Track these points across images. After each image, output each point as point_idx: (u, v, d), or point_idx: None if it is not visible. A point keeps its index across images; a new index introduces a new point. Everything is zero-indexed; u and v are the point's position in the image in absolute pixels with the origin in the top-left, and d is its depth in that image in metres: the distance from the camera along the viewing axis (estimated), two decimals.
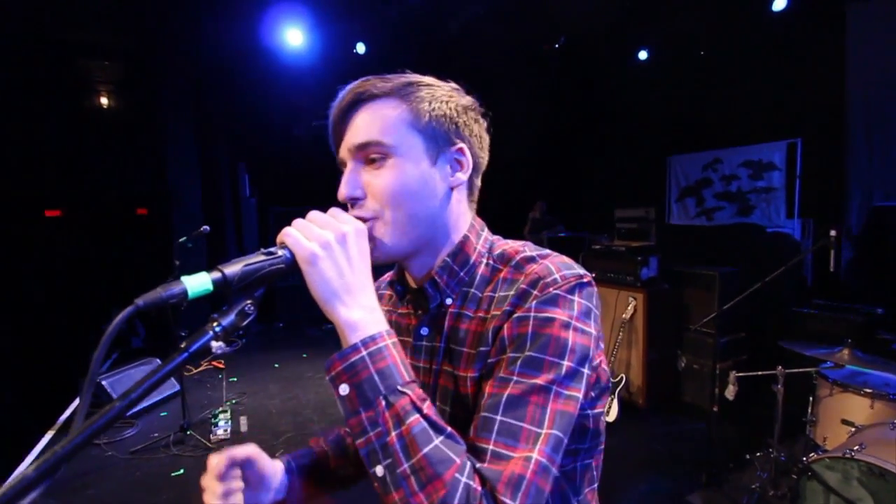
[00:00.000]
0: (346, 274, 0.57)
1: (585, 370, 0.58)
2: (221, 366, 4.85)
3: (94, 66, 5.69)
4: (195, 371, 4.72)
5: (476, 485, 0.50)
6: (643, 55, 5.61)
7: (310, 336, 6.11)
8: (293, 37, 5.06)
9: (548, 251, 0.67)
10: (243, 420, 3.68)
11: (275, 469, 0.77)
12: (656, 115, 5.69)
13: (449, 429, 0.53)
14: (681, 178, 5.45)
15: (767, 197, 4.60)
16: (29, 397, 3.96)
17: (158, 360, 4.21)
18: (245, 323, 0.54)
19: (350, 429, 0.53)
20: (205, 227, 3.37)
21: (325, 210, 0.61)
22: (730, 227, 4.93)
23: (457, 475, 0.49)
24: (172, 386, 4.05)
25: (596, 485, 0.72)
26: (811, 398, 2.53)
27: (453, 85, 0.72)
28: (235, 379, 4.56)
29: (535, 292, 0.60)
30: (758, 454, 2.69)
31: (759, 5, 4.32)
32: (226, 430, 3.41)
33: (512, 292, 0.62)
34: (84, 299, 4.90)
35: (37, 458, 0.39)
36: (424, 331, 0.71)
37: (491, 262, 0.69)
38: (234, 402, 4.01)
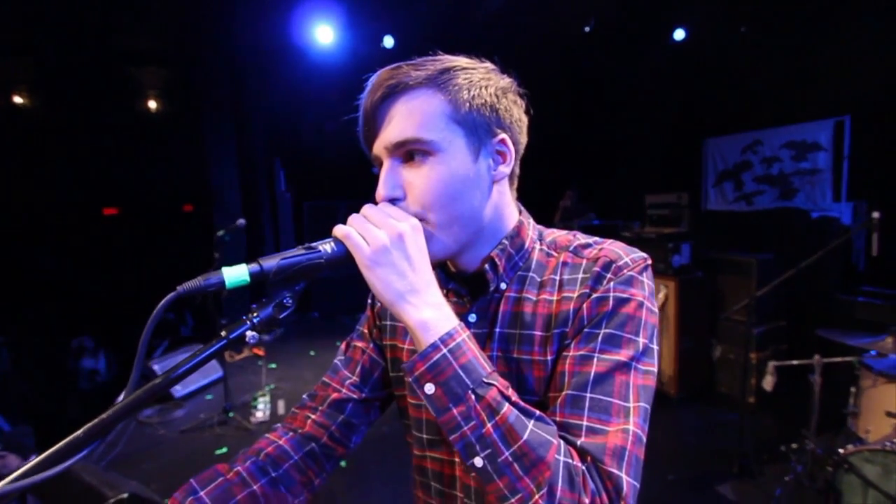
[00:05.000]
0: (408, 275, 0.56)
1: (655, 346, 0.61)
2: (262, 353, 5.10)
3: (143, 72, 6.06)
4: (238, 358, 4.99)
5: (575, 461, 0.52)
6: (679, 35, 5.38)
7: (344, 325, 6.30)
8: (323, 34, 5.18)
9: (598, 238, 0.68)
10: (281, 403, 3.88)
11: None
12: (692, 97, 5.46)
13: (537, 412, 0.54)
14: (718, 161, 5.22)
15: (812, 179, 4.34)
16: (88, 386, 4.32)
17: None
18: (283, 315, 0.56)
19: (442, 425, 0.54)
20: (240, 220, 3.53)
21: (357, 208, 0.59)
22: (771, 211, 4.70)
23: (557, 456, 0.51)
24: (217, 371, 4.30)
25: None
26: (853, 389, 2.42)
27: (489, 65, 0.66)
28: (274, 366, 4.78)
29: (610, 275, 0.61)
30: (794, 446, 2.59)
31: None
32: (264, 413, 3.63)
33: (581, 275, 0.63)
34: (139, 290, 5.28)
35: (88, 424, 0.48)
36: (472, 317, 0.68)
37: (544, 247, 0.69)
38: (272, 387, 4.22)
